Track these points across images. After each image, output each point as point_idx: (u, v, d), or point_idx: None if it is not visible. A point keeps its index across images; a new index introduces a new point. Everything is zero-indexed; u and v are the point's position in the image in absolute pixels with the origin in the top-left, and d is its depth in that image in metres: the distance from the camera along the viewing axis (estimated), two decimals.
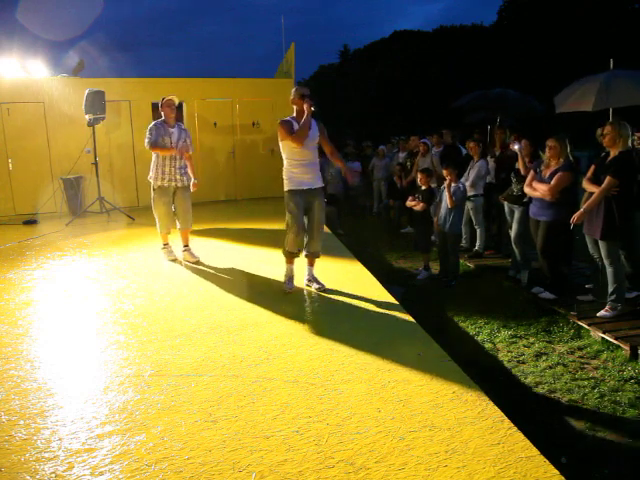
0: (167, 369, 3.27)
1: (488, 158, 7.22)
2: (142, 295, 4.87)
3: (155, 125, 5.85)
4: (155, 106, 10.32)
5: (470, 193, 6.93)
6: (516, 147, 5.84)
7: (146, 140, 5.80)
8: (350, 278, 5.26)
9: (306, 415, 2.69)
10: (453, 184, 6.07)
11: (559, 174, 4.97)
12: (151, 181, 5.92)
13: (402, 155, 10.14)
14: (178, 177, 5.92)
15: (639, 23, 27.34)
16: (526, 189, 5.35)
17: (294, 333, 3.88)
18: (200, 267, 5.81)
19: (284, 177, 4.80)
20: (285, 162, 4.78)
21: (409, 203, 6.53)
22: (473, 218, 7.20)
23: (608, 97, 5.63)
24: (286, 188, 4.79)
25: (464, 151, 8.41)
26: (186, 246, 6.17)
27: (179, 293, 4.93)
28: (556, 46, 29.03)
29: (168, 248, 6.26)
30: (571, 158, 5.11)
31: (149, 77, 11.56)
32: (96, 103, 9.15)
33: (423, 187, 6.35)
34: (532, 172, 5.33)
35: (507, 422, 2.59)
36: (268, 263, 5.80)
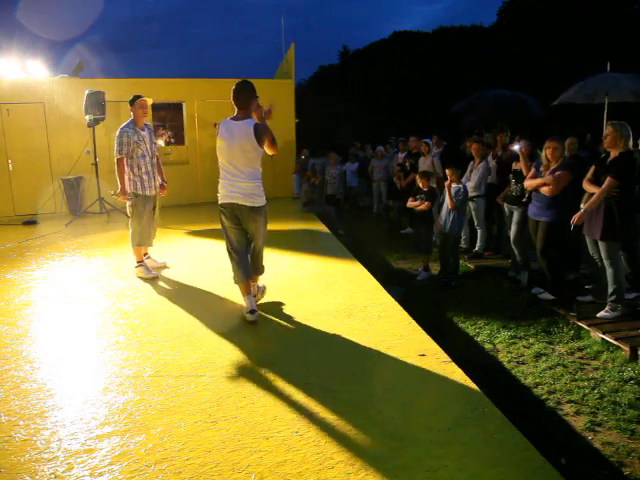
0: (167, 370, 3.27)
1: (489, 159, 7.23)
2: (142, 296, 4.87)
3: (127, 131, 5.25)
4: (155, 107, 10.33)
5: (473, 194, 6.94)
6: (515, 147, 5.85)
7: (117, 149, 5.22)
8: (349, 279, 5.25)
9: (306, 416, 2.68)
10: (454, 185, 6.06)
11: (559, 173, 4.99)
12: (133, 191, 5.30)
13: (401, 156, 10.15)
14: (156, 183, 5.50)
15: (638, 24, 27.39)
16: (527, 183, 5.37)
17: (294, 333, 3.88)
18: (199, 268, 5.80)
19: (262, 190, 4.06)
20: (259, 172, 4.06)
21: (410, 204, 6.52)
22: (475, 219, 7.21)
23: (604, 93, 5.76)
24: (264, 203, 4.09)
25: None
26: (141, 261, 5.56)
27: (179, 293, 4.92)
28: (555, 47, 29.11)
29: (145, 265, 5.52)
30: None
31: (149, 78, 11.55)
32: (96, 104, 9.15)
33: (425, 188, 6.35)
34: (533, 170, 5.36)
35: (507, 423, 2.58)
36: (267, 262, 5.79)
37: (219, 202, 4.08)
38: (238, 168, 3.94)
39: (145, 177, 5.37)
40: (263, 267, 4.39)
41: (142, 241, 5.49)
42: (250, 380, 3.10)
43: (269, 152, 4.06)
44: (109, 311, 4.45)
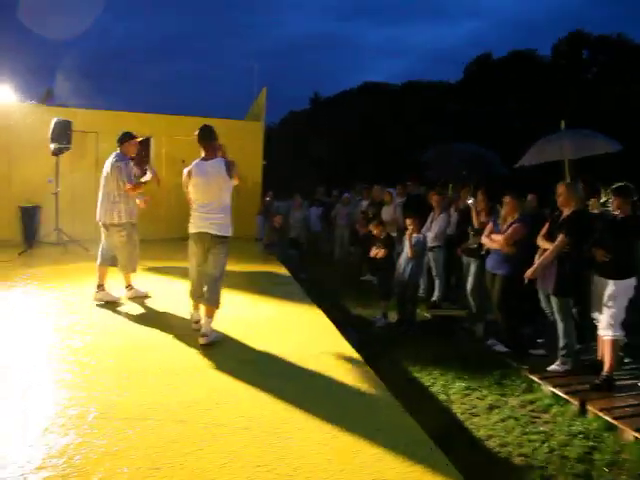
0: (113, 411, 3.14)
1: (452, 211, 7.41)
2: (93, 332, 4.70)
3: (128, 164, 5.58)
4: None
5: (433, 244, 7.07)
6: (470, 202, 6.05)
7: (130, 180, 5.51)
8: (307, 323, 5.23)
9: (255, 464, 2.61)
10: (414, 234, 6.18)
11: (514, 225, 5.20)
12: (130, 220, 5.63)
13: (365, 203, 10.32)
14: None
15: (593, 90, 29.44)
16: (484, 240, 5.53)
17: (246, 378, 3.79)
18: (157, 306, 5.67)
19: (230, 222, 4.58)
20: (229, 205, 4.58)
21: (373, 253, 6.60)
22: (433, 269, 7.32)
23: (561, 151, 6.04)
24: (230, 234, 4.59)
25: None
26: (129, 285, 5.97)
27: (132, 331, 4.78)
28: (517, 104, 30.85)
29: (135, 288, 5.96)
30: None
31: (118, 110, 11.52)
32: (62, 133, 9.05)
33: (380, 236, 6.47)
34: (490, 225, 5.54)
35: (458, 477, 2.57)
36: (225, 302, 5.72)
37: (189, 231, 4.58)
38: (211, 202, 4.46)
39: (134, 207, 5.70)
40: (219, 302, 4.58)
41: (135, 266, 5.85)
42: (199, 425, 3.00)
43: (235, 182, 4.58)
44: (57, 347, 4.27)
